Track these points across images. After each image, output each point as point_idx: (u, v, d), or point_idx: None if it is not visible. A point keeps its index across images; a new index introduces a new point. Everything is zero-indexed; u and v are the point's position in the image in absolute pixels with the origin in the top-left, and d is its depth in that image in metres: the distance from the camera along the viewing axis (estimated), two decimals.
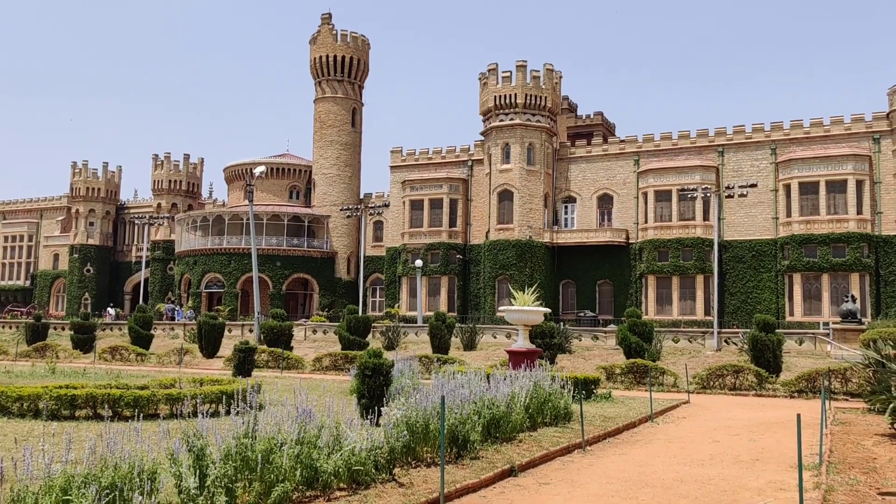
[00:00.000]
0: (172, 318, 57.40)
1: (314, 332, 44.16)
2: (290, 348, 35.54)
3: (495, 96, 55.18)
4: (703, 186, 46.74)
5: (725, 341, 35.79)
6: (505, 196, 54.97)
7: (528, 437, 13.02)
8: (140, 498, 6.59)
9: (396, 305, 58.55)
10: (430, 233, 58.08)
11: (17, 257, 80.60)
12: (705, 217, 50.61)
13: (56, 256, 78.17)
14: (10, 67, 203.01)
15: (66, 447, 6.66)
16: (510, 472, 10.35)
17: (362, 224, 56.79)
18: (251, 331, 42.45)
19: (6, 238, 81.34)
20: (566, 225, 56.94)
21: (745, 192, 41.78)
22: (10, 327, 51.48)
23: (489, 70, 56.05)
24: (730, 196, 42.99)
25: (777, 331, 27.94)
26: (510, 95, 54.75)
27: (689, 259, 50.54)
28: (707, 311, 48.97)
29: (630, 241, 54.08)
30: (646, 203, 52.97)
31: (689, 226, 51.04)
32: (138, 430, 7.37)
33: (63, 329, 46.49)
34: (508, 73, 55.06)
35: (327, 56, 64.32)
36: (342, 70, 64.62)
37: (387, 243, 62.51)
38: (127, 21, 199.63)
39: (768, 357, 26.17)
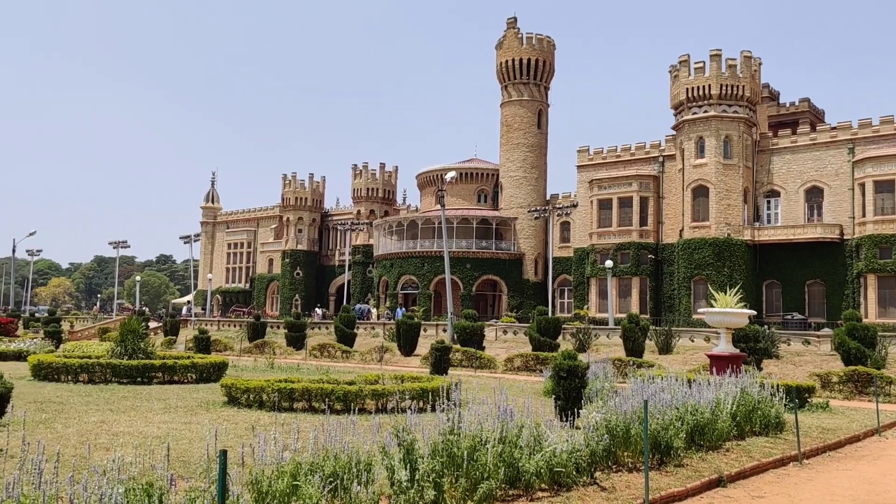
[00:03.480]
0: (361, 317, 60.02)
1: (504, 332, 44.69)
2: (482, 348, 36.23)
3: (687, 88, 52.75)
4: None
5: None
6: (700, 192, 52.36)
7: (735, 446, 12.30)
8: (358, 487, 7.06)
9: (585, 307, 57.74)
10: (620, 232, 56.66)
11: (239, 262, 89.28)
12: None
13: (270, 261, 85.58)
14: (231, 93, 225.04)
15: (295, 437, 7.28)
16: (718, 483, 9.85)
17: (549, 225, 56.58)
18: (444, 330, 43.81)
19: (229, 245, 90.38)
20: (769, 221, 53.11)
21: None
22: (235, 326, 57.12)
23: (680, 62, 53.71)
24: None
25: None
26: (703, 87, 52.08)
27: None
28: None
29: (844, 238, 49.34)
30: (863, 195, 48.05)
31: None
32: (354, 424, 7.88)
33: (278, 328, 50.77)
34: (701, 64, 52.43)
35: (513, 60, 64.90)
36: (527, 73, 64.89)
37: (574, 244, 61.83)
38: (325, 47, 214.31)
39: None
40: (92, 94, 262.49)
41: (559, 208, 56.76)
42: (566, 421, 10.87)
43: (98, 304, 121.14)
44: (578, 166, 61.85)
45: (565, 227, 63.51)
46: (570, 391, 13.29)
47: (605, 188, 57.95)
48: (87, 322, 70.91)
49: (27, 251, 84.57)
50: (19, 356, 30.26)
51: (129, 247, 78.68)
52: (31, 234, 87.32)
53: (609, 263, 52.01)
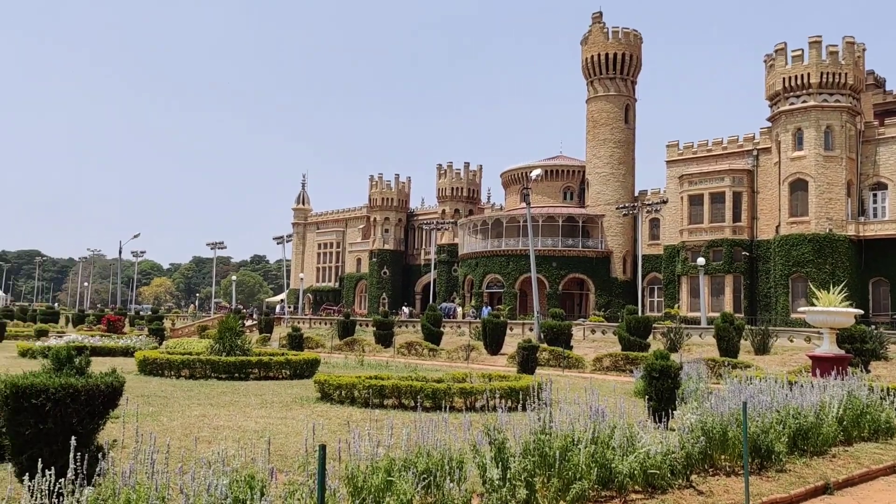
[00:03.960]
0: (447, 316, 60.16)
1: (592, 331, 44.06)
2: (570, 347, 35.83)
3: (784, 78, 50.58)
4: None
5: None
6: (798, 186, 50.11)
7: (841, 451, 11.71)
8: (451, 485, 7.12)
9: (676, 306, 56.25)
10: (712, 229, 54.90)
11: (328, 262, 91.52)
12: None
13: (358, 261, 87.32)
14: (320, 97, 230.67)
15: (388, 433, 7.40)
16: (824, 490, 9.41)
17: (638, 222, 55.40)
18: (531, 329, 43.57)
19: (319, 245, 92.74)
20: (875, 215, 50.30)
21: None
22: (326, 324, 58.58)
23: (776, 51, 51.56)
24: None
25: None
26: (802, 75, 49.80)
27: None
28: None
29: None
30: None
31: None
32: (446, 421, 7.95)
33: (367, 326, 51.70)
34: (799, 52, 50.17)
35: (598, 55, 63.90)
36: (614, 67, 63.75)
37: (664, 241, 60.32)
38: (410, 48, 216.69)
39: None
40: (189, 102, 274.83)
41: (648, 205, 55.52)
42: (660, 422, 10.63)
43: (196, 302, 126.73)
44: (668, 161, 60.30)
45: (654, 223, 62.04)
46: (662, 392, 12.99)
47: (695, 183, 56.28)
48: (186, 320, 74.25)
49: (132, 252, 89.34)
50: (126, 352, 31.96)
51: (225, 248, 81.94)
52: (135, 237, 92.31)
53: (701, 261, 50.47)
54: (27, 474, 5.74)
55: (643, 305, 56.28)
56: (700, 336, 39.10)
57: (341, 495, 6.65)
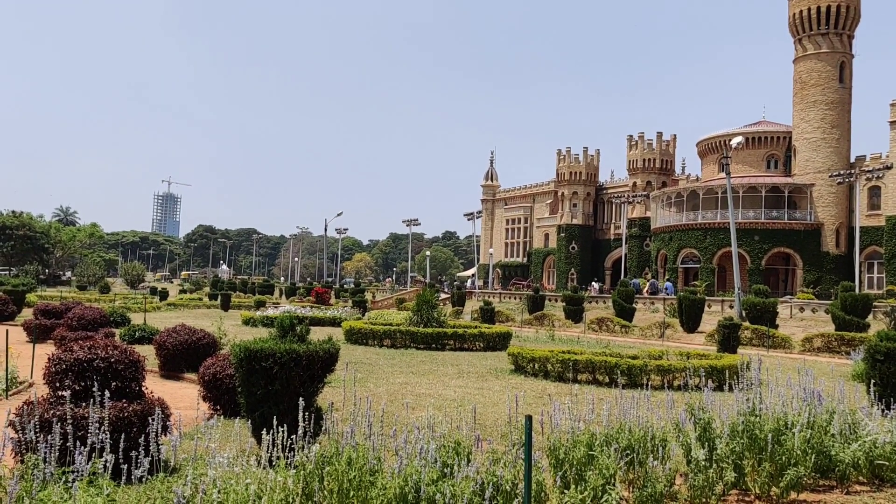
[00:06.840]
0: (639, 291, 58.30)
1: (801, 310, 40.84)
2: (775, 326, 33.52)
3: None
4: None
5: None
6: None
7: None
8: (654, 462, 6.99)
9: None
10: None
11: (516, 237, 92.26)
12: None
13: (546, 236, 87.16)
14: (508, 72, 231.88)
15: (590, 408, 7.40)
16: None
17: (855, 191, 50.33)
18: (731, 307, 41.25)
19: (507, 221, 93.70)
20: None
21: None
22: (514, 298, 59.29)
23: None
24: None
25: None
26: None
27: None
28: None
29: None
30: None
31: None
32: (648, 398, 7.80)
33: (556, 301, 51.62)
34: None
35: (809, 9, 58.35)
36: (827, 21, 57.93)
37: (886, 211, 54.31)
38: (597, 15, 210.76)
39: None
40: (386, 91, 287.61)
41: (867, 171, 50.15)
42: (888, 409, 9.72)
43: (393, 276, 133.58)
44: (892, 122, 54.02)
45: (874, 192, 56.01)
46: (888, 376, 11.84)
47: None
48: (385, 293, 78.43)
49: (336, 230, 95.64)
50: (334, 322, 34.52)
51: (419, 224, 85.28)
52: (338, 215, 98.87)
53: None
54: (263, 430, 6.42)
55: (860, 282, 51.21)
56: None
57: (543, 467, 6.77)
